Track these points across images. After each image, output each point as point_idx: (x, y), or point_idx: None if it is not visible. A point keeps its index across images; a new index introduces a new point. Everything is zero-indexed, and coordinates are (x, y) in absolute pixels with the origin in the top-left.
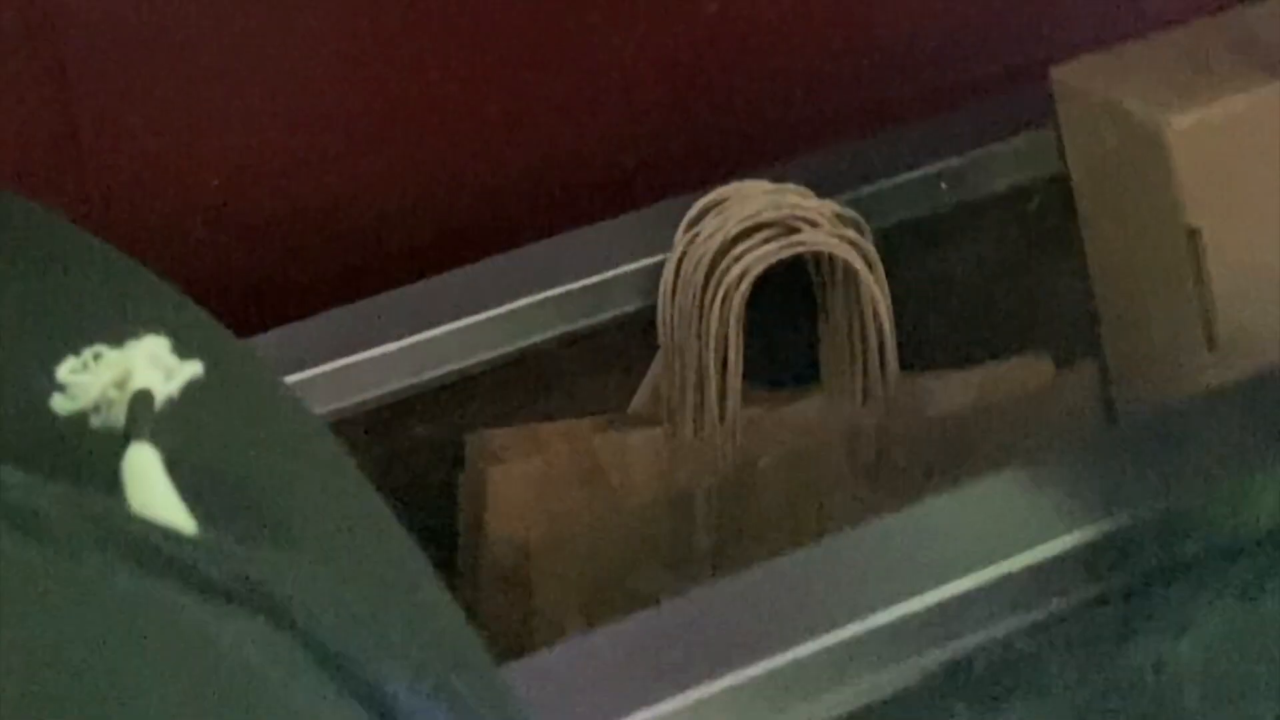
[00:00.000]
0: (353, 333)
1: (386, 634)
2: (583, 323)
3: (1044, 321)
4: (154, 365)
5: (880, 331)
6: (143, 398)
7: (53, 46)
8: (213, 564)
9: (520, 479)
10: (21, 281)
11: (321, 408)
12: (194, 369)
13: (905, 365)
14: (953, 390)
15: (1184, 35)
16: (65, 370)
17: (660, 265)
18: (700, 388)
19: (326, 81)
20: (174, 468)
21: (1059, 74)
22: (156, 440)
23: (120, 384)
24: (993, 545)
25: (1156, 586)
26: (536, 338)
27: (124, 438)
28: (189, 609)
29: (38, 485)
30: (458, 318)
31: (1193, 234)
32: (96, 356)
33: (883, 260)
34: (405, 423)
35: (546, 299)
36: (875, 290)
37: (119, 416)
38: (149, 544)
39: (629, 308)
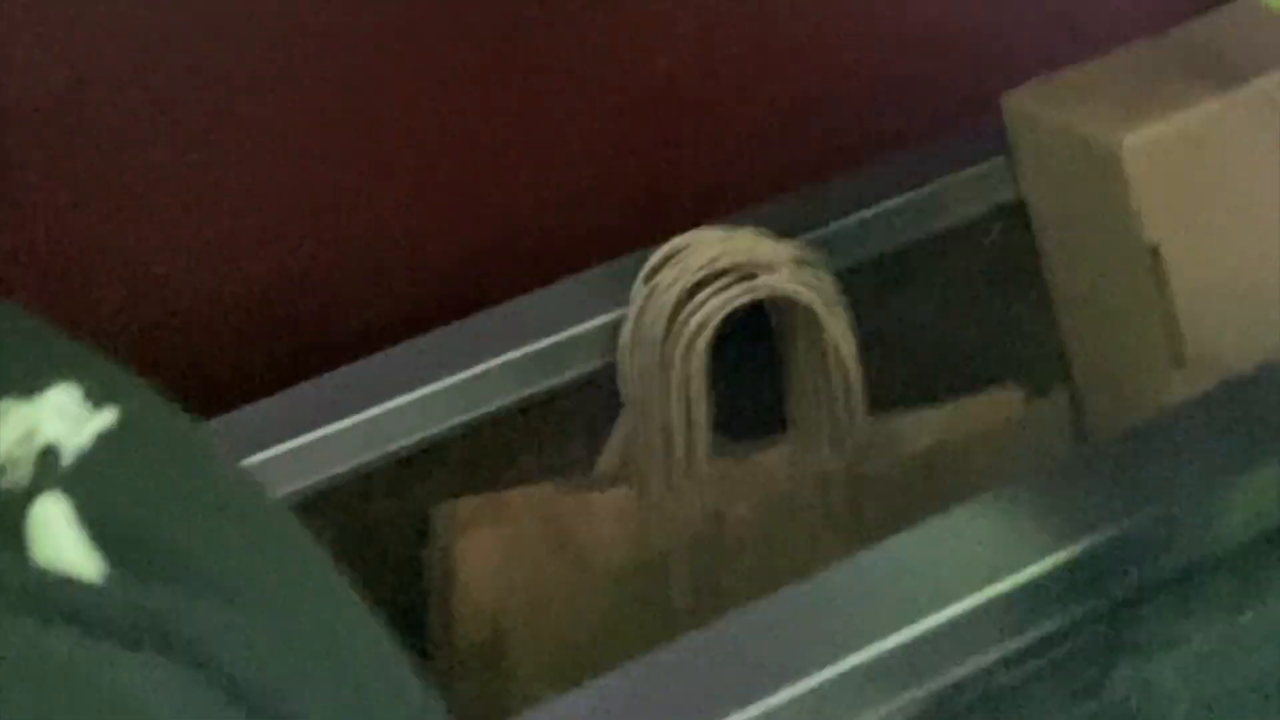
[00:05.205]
0: (308, 411)
1: (302, 668)
2: (543, 385)
3: (1011, 352)
4: (62, 417)
5: (845, 375)
6: (49, 454)
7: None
8: (113, 608)
9: (488, 549)
10: None
11: (282, 488)
12: (106, 418)
13: (874, 405)
14: (922, 428)
15: (1131, 55)
16: None
17: (620, 321)
18: (667, 443)
19: (274, 157)
20: (85, 517)
21: (1010, 100)
22: (67, 491)
23: (27, 439)
24: (969, 576)
25: (1137, 606)
26: (496, 404)
27: (28, 495)
28: (86, 654)
29: None
30: (414, 389)
31: (1153, 251)
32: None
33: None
34: (366, 499)
35: (505, 363)
36: (838, 332)
37: (26, 475)
38: (46, 595)
39: (590, 366)
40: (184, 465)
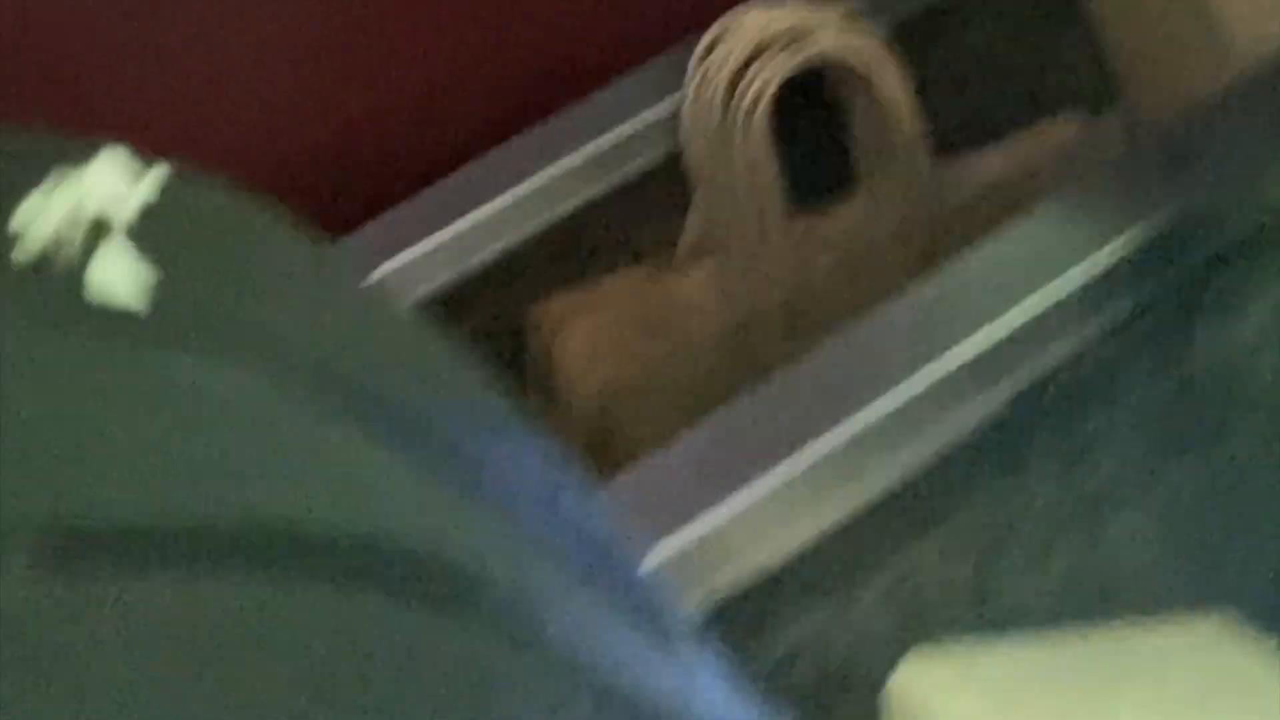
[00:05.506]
0: (388, 240)
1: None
2: (614, 180)
3: (1063, 85)
4: (112, 174)
5: (903, 126)
6: (99, 225)
7: None
8: (167, 314)
9: (585, 339)
10: None
11: None
12: (161, 170)
13: (936, 151)
14: (986, 165)
15: None
16: (20, 215)
17: (679, 107)
18: (739, 216)
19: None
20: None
21: None
22: (120, 248)
23: (75, 215)
24: (1048, 268)
25: (1207, 275)
26: (573, 204)
27: (83, 264)
28: (139, 357)
29: None
30: (489, 201)
31: None
32: (54, 188)
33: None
34: (458, 314)
35: (573, 166)
36: (891, 86)
37: (77, 250)
38: (94, 315)
39: (656, 155)
40: (245, 224)
